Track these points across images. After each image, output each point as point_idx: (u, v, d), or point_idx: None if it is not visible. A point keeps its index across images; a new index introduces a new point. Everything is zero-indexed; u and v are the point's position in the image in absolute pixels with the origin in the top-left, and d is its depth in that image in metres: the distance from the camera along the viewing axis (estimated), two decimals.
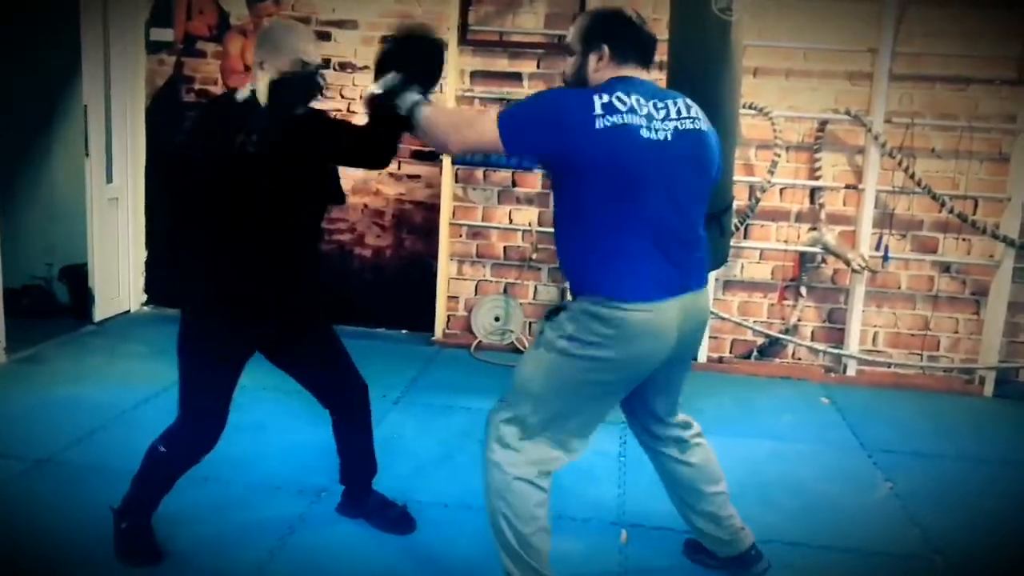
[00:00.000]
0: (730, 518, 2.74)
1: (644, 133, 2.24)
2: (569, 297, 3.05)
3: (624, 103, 2.24)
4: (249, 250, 2.54)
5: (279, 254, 2.58)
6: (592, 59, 2.37)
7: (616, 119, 2.21)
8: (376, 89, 2.45)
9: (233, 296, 2.56)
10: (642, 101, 2.28)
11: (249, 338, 2.65)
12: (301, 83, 2.52)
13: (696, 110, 2.41)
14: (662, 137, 2.28)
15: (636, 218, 2.26)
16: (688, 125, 2.35)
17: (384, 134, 2.51)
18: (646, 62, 2.41)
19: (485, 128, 2.26)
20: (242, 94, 2.53)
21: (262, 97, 2.48)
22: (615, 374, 2.35)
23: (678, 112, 2.35)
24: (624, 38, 2.38)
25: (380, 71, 2.48)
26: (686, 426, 2.70)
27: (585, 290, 2.31)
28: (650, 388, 2.53)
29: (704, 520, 2.73)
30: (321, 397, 2.89)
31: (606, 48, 2.36)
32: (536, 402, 2.36)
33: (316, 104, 2.64)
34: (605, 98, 2.23)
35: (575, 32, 2.43)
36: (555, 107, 2.27)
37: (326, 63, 5.34)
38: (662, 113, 2.31)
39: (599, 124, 2.20)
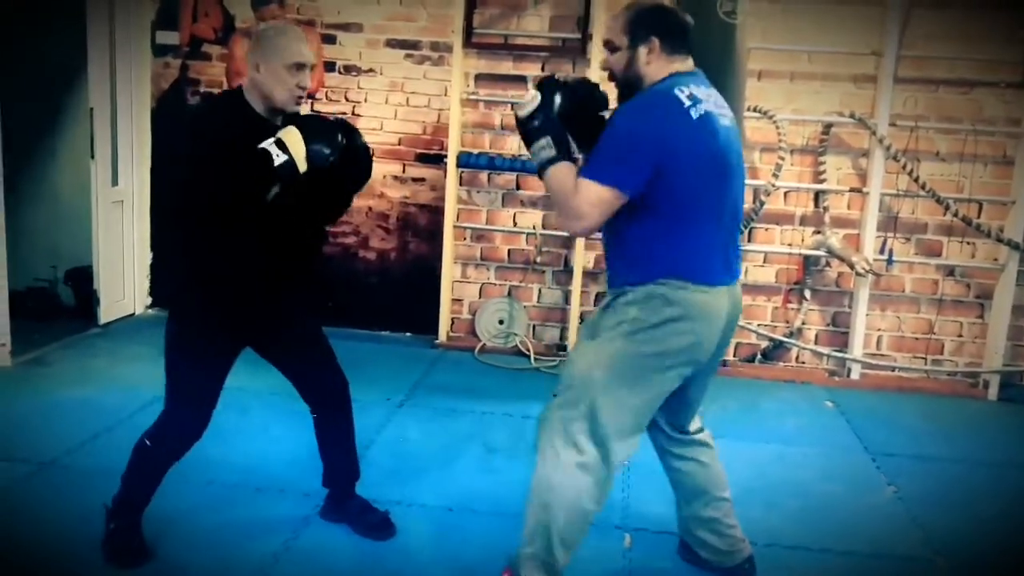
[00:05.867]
0: (732, 528, 2.74)
1: (723, 121, 2.34)
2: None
3: (700, 93, 2.32)
4: (238, 249, 2.54)
5: (270, 255, 2.58)
6: (642, 52, 2.37)
7: (703, 108, 2.29)
8: (520, 111, 2.42)
9: (220, 294, 2.58)
10: (708, 92, 2.36)
11: (235, 337, 2.67)
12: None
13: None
14: (729, 125, 2.38)
15: (714, 204, 2.35)
16: (731, 120, 2.43)
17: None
18: (690, 51, 2.44)
19: (589, 195, 2.24)
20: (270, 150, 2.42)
21: (301, 165, 2.42)
22: (678, 357, 2.37)
23: (726, 107, 2.43)
24: (672, 29, 2.40)
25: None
26: (701, 429, 2.73)
27: (654, 275, 2.32)
28: (683, 385, 2.51)
29: (706, 529, 2.73)
30: (303, 392, 2.90)
31: (656, 40, 2.37)
32: (602, 393, 2.34)
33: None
34: (686, 91, 2.29)
35: (619, 26, 2.41)
36: (650, 118, 2.28)
37: (331, 65, 5.36)
38: (720, 105, 2.38)
39: (694, 114, 2.27)
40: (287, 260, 2.64)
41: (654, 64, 2.38)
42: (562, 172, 2.32)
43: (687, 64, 2.42)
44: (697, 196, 2.30)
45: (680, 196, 2.28)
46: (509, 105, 5.10)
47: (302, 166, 2.41)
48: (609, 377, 2.34)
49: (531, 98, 2.42)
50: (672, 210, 2.29)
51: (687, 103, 2.27)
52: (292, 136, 2.42)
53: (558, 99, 2.41)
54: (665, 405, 2.54)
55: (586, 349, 2.42)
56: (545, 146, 2.35)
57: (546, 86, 2.44)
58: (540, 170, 2.37)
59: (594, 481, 2.38)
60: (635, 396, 2.37)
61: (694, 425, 2.70)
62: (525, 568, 2.43)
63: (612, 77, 2.48)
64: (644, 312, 2.32)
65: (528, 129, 2.40)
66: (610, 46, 2.44)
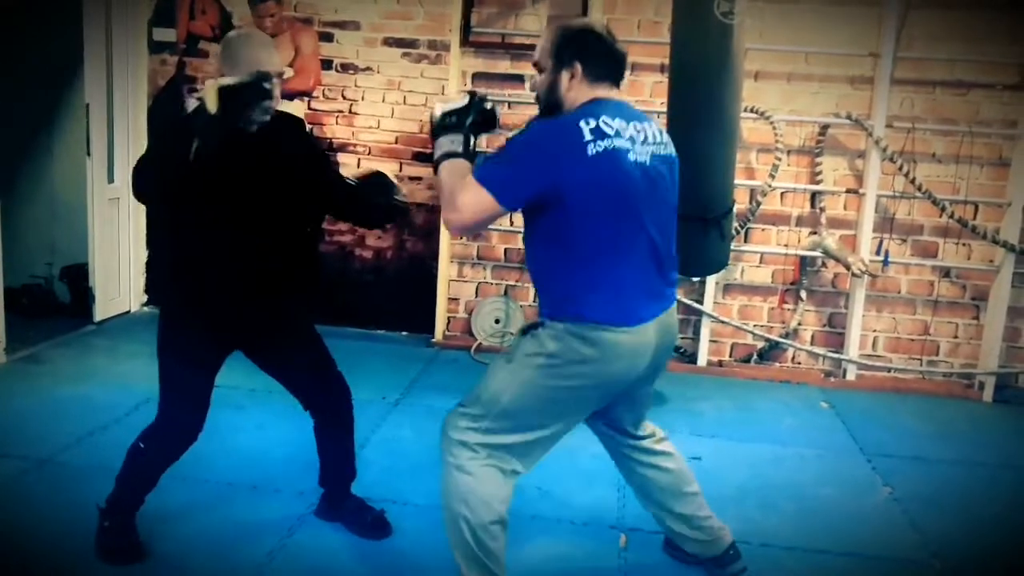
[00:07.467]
0: (707, 519, 2.74)
1: (631, 156, 2.24)
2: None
3: (611, 127, 2.22)
4: (214, 248, 2.54)
5: (249, 254, 2.57)
6: (564, 77, 2.32)
7: (606, 144, 2.19)
8: (438, 108, 2.38)
9: (200, 300, 2.57)
10: (624, 124, 2.26)
11: (219, 341, 2.66)
12: (248, 89, 2.41)
13: (665, 135, 2.41)
14: (644, 160, 2.28)
15: (624, 242, 2.27)
16: (663, 150, 2.36)
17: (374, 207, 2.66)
18: (618, 80, 2.38)
19: (472, 193, 2.18)
20: (191, 104, 2.44)
21: (211, 105, 2.34)
22: (592, 392, 2.36)
23: (653, 136, 2.34)
24: (597, 55, 2.33)
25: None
26: (653, 434, 2.72)
27: (568, 314, 2.27)
28: (621, 404, 2.52)
29: (681, 523, 2.74)
30: (302, 399, 2.88)
31: (579, 65, 2.31)
32: (504, 415, 2.33)
33: (270, 113, 2.53)
34: (592, 123, 2.20)
35: (544, 47, 2.36)
36: (543, 144, 2.21)
37: (328, 63, 5.35)
38: (641, 136, 2.29)
39: (591, 151, 2.17)
40: (272, 262, 2.61)
41: (575, 91, 2.32)
42: (456, 164, 2.27)
43: (611, 93, 2.34)
44: (602, 234, 2.23)
45: (583, 233, 2.22)
46: (507, 104, 5.10)
47: (212, 108, 2.33)
48: (515, 404, 2.32)
49: (460, 98, 2.39)
50: (580, 246, 2.23)
51: (588, 137, 2.18)
52: (209, 89, 2.37)
53: (480, 114, 2.37)
54: (610, 419, 2.57)
55: (501, 370, 2.38)
56: (453, 141, 2.31)
57: (477, 97, 2.39)
58: (438, 162, 2.31)
59: (501, 484, 2.37)
60: (539, 424, 2.36)
61: (644, 431, 2.69)
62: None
63: (537, 98, 2.44)
64: (561, 348, 2.27)
65: (444, 123, 2.34)
66: (537, 66, 2.39)
